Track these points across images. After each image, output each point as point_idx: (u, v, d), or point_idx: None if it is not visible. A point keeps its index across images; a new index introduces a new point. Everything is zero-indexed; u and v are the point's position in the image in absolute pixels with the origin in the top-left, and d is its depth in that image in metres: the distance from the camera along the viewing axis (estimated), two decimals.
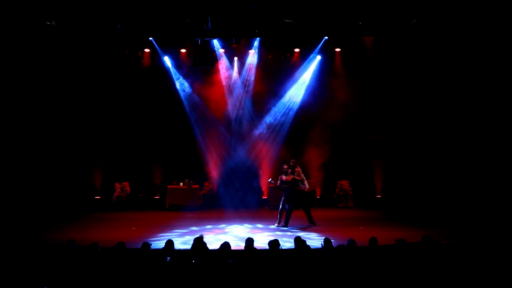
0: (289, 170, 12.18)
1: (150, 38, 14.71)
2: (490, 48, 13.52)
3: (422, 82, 15.17)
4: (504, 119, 13.84)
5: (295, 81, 16.17)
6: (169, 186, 15.41)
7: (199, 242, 7.29)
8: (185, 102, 16.08)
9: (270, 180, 12.87)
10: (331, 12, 12.87)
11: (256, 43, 15.46)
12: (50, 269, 6.34)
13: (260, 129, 16.20)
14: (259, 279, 6.11)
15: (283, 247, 8.27)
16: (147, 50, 15.56)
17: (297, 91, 16.19)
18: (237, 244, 9.61)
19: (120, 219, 13.34)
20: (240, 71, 16.13)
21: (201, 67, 15.17)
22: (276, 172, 14.70)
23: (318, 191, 16.14)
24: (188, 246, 8.12)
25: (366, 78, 15.76)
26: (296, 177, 12.10)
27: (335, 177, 16.01)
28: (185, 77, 16.03)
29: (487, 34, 13.06)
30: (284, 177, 12.17)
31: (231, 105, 16.20)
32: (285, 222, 12.04)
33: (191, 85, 16.06)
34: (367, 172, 16.07)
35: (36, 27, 12.86)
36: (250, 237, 7.58)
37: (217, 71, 15.91)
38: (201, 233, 7.94)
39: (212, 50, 15.36)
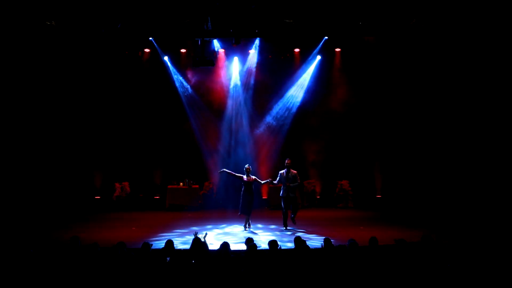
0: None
1: (150, 38, 14.75)
2: (489, 48, 13.52)
3: (423, 82, 15.16)
4: (502, 119, 13.83)
5: (295, 81, 16.18)
6: (169, 186, 15.41)
7: (198, 241, 7.29)
8: (185, 103, 16.08)
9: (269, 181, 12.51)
10: (331, 12, 12.89)
11: (256, 43, 15.47)
12: (50, 269, 6.34)
13: (260, 129, 16.20)
14: (259, 279, 6.11)
15: (283, 247, 8.28)
16: (147, 50, 15.56)
17: (297, 91, 16.20)
18: (237, 244, 9.61)
19: (120, 219, 13.33)
20: (240, 71, 16.14)
21: (201, 67, 15.22)
22: (275, 171, 14.67)
23: (318, 191, 16.13)
24: (188, 246, 8.11)
25: (366, 78, 15.78)
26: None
27: (335, 177, 16.01)
28: (185, 77, 16.04)
29: (486, 34, 13.07)
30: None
31: (231, 105, 16.22)
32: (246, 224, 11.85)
33: (191, 85, 16.06)
34: (367, 172, 16.06)
35: (36, 27, 12.89)
36: (250, 237, 7.59)
37: (217, 71, 15.91)
38: (201, 231, 7.94)
39: (212, 50, 15.39)
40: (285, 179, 11.76)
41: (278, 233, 11.39)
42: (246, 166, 11.88)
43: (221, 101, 16.12)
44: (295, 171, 11.87)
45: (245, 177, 11.73)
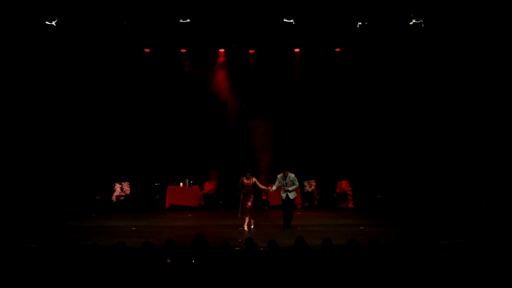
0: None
1: (150, 38, 14.78)
2: (488, 49, 13.51)
3: (422, 82, 15.14)
4: (503, 119, 13.79)
5: (295, 81, 16.20)
6: (169, 186, 15.40)
7: (198, 241, 7.28)
8: (184, 102, 16.12)
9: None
10: (331, 12, 12.93)
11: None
12: (50, 269, 6.33)
13: (260, 128, 16.23)
14: (259, 279, 6.11)
15: (283, 247, 8.26)
16: (147, 50, 15.56)
17: (297, 91, 16.23)
18: (237, 244, 9.60)
19: (120, 219, 13.34)
20: (240, 72, 16.17)
21: (202, 67, 15.25)
22: (275, 171, 14.67)
23: (318, 191, 16.10)
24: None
25: (366, 78, 15.80)
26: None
27: (335, 177, 16.00)
28: (186, 77, 16.08)
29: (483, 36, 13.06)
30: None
31: (231, 105, 16.27)
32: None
33: (191, 84, 16.10)
34: (367, 172, 16.05)
35: (36, 27, 12.91)
36: (250, 237, 7.58)
37: (217, 70, 15.95)
38: (200, 231, 7.93)
39: (212, 50, 15.42)
40: (284, 184, 11.77)
41: (278, 233, 11.38)
42: (247, 173, 11.75)
43: (221, 100, 16.15)
44: (293, 174, 11.81)
45: (245, 179, 11.72)
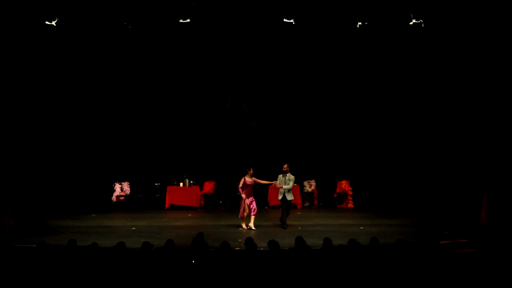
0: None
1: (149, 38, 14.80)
2: (488, 48, 13.49)
3: (422, 82, 15.13)
4: (503, 119, 13.76)
5: (296, 80, 16.23)
6: (169, 186, 15.40)
7: (198, 241, 7.28)
8: (183, 101, 16.14)
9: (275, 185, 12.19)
10: (331, 12, 12.94)
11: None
12: (50, 269, 6.33)
13: (260, 128, 16.24)
14: (259, 279, 6.11)
15: (282, 247, 8.26)
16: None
17: (297, 91, 16.24)
18: (237, 244, 9.61)
19: (120, 219, 13.33)
20: (240, 71, 16.20)
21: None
22: (274, 171, 14.69)
23: (317, 191, 16.10)
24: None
25: (366, 78, 15.80)
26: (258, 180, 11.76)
27: (335, 177, 16.00)
28: (185, 76, 16.11)
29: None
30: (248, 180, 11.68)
31: (231, 104, 16.30)
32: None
33: (191, 84, 16.13)
34: (367, 172, 16.04)
35: (36, 27, 12.91)
36: (250, 237, 7.58)
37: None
38: (200, 230, 7.93)
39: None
40: (283, 183, 11.75)
41: (278, 233, 11.38)
42: (249, 168, 11.69)
43: (221, 101, 16.17)
44: (292, 176, 11.77)
45: (247, 178, 11.67)
